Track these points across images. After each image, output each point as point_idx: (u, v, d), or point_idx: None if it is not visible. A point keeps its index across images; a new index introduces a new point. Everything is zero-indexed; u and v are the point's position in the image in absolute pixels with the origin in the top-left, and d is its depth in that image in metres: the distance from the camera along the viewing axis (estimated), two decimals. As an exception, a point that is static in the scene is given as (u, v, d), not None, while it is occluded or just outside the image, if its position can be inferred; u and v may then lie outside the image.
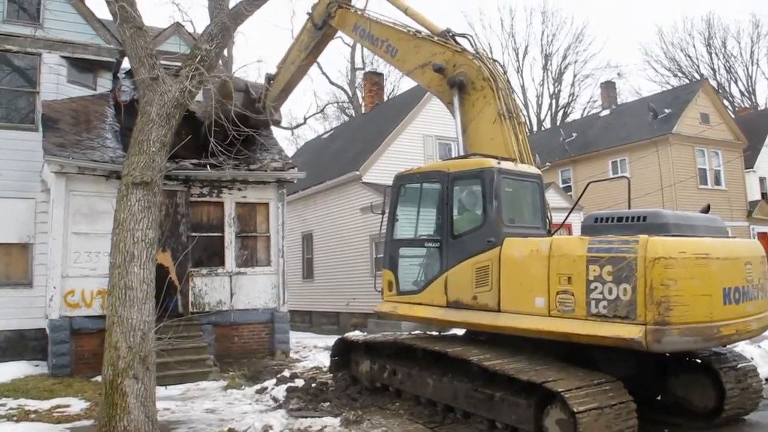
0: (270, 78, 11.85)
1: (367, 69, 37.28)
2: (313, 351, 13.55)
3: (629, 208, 6.70)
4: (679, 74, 45.48)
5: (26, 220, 11.89)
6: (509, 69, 43.72)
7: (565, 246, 6.06)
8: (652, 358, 6.33)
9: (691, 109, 23.83)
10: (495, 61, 8.28)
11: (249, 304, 12.57)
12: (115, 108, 12.93)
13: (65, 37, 12.49)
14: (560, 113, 45.50)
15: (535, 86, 66.66)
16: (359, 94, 38.30)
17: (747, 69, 44.89)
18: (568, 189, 25.50)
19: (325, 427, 6.77)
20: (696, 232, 5.92)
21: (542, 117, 45.48)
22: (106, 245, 7.38)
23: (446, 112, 8.72)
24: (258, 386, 9.48)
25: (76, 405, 8.43)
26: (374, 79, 27.69)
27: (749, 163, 26.47)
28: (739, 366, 6.52)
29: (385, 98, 30.48)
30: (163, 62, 7.01)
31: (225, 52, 17.78)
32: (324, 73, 39.19)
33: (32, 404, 8.44)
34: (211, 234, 12.48)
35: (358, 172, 17.93)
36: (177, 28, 14.12)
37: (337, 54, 70.72)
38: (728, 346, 6.88)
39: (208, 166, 11.81)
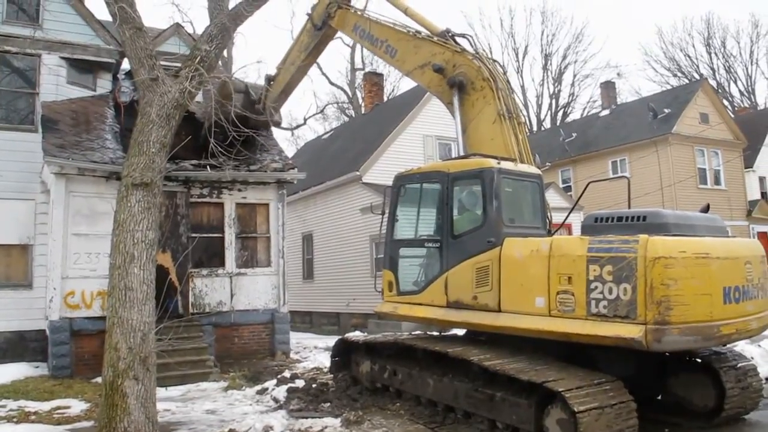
0: (270, 79, 11.86)
1: (367, 69, 37.29)
2: (313, 351, 13.55)
3: (629, 207, 6.70)
4: (679, 74, 45.55)
5: (26, 221, 11.89)
6: (509, 69, 43.76)
7: (565, 246, 6.06)
8: (653, 358, 6.34)
9: (690, 109, 23.84)
10: (495, 61, 8.29)
11: (249, 305, 12.57)
12: (114, 109, 12.93)
13: (65, 38, 12.49)
14: (560, 113, 45.53)
15: (535, 86, 66.70)
16: (359, 94, 38.31)
17: (746, 69, 44.98)
18: (568, 189, 25.50)
19: (326, 427, 6.77)
20: (696, 231, 5.92)
21: (542, 117, 45.54)
22: (106, 246, 7.38)
23: (446, 112, 8.72)
24: (258, 387, 9.48)
25: (77, 406, 8.43)
26: (374, 80, 27.70)
27: (749, 162, 26.48)
28: (739, 365, 6.52)
29: (385, 98, 30.48)
30: (162, 63, 7.00)
31: (225, 52, 17.79)
32: (324, 74, 39.26)
33: (32, 405, 8.44)
34: (211, 235, 12.48)
35: (358, 173, 17.93)
36: (177, 28, 14.14)
37: (337, 54, 70.84)
38: (728, 346, 6.89)
39: (208, 166, 11.81)
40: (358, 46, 38.00)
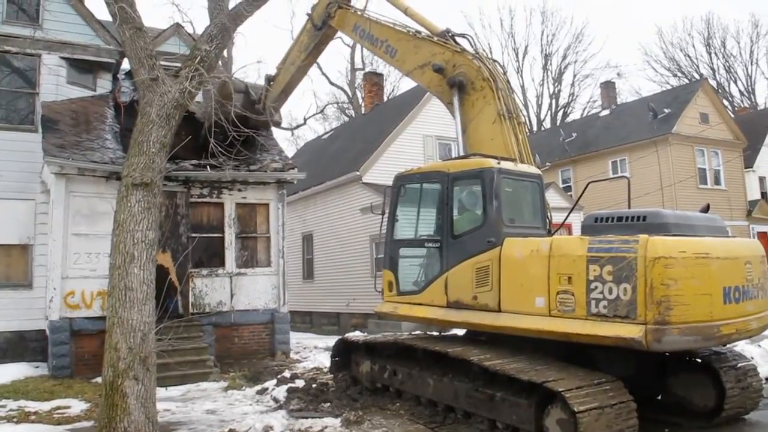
0: (270, 79, 11.86)
1: (367, 69, 37.29)
2: (313, 351, 13.55)
3: (629, 207, 6.70)
4: (679, 74, 45.56)
5: (26, 221, 11.89)
6: (509, 69, 43.77)
7: (565, 246, 6.06)
8: (653, 358, 6.34)
9: (690, 109, 23.84)
10: (494, 61, 8.29)
11: (249, 305, 12.57)
12: (114, 109, 12.93)
13: (65, 38, 12.49)
14: (560, 113, 45.54)
15: (534, 86, 66.70)
16: (359, 94, 38.31)
17: (746, 69, 44.99)
18: (568, 189, 25.51)
19: (326, 427, 6.77)
20: (696, 231, 5.92)
21: (542, 117, 45.55)
22: (106, 246, 7.38)
23: (446, 112, 8.72)
24: (258, 387, 9.48)
25: (77, 406, 8.43)
26: (374, 80, 27.70)
27: (749, 162, 26.48)
28: (739, 365, 6.52)
29: (385, 98, 30.48)
30: (162, 63, 7.01)
31: (225, 52, 17.79)
32: (324, 74, 39.26)
33: (32, 405, 8.44)
34: (211, 235, 12.48)
35: (358, 173, 17.93)
36: (177, 28, 14.14)
37: (336, 54, 70.86)
38: (728, 346, 6.88)
39: (208, 166, 11.81)
40: (358, 46, 38.01)
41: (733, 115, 30.56)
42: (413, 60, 8.67)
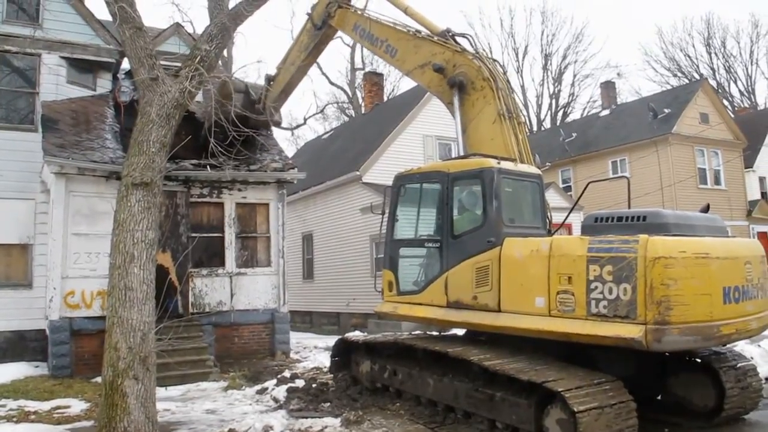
0: (270, 79, 11.85)
1: (367, 69, 37.29)
2: (313, 351, 13.55)
3: (629, 207, 6.70)
4: (679, 74, 45.56)
5: (26, 220, 11.88)
6: (509, 69, 43.78)
7: (565, 246, 6.06)
8: (652, 358, 6.34)
9: (690, 109, 23.84)
10: (494, 60, 8.28)
11: (249, 305, 12.57)
12: (114, 109, 12.93)
13: (65, 38, 12.49)
14: (560, 113, 45.54)
15: (534, 86, 66.68)
16: (359, 94, 38.31)
17: (746, 69, 44.99)
18: (568, 189, 25.51)
19: (326, 427, 6.77)
20: (696, 231, 5.92)
21: (542, 117, 45.55)
22: (106, 246, 7.38)
23: (446, 112, 8.72)
24: (258, 387, 9.48)
25: (76, 406, 8.43)
26: (374, 80, 27.70)
27: (749, 162, 26.48)
28: (739, 365, 6.53)
29: (385, 98, 30.48)
30: (162, 63, 7.00)
31: (225, 52, 17.79)
32: (324, 74, 39.26)
33: (32, 405, 8.44)
34: (211, 234, 12.48)
35: (358, 173, 17.93)
36: (177, 28, 14.13)
37: (336, 54, 70.86)
38: (728, 346, 6.88)
39: (208, 166, 11.81)
40: (358, 46, 38.02)
41: (733, 115, 30.56)
42: (413, 60, 8.67)
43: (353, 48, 39.12)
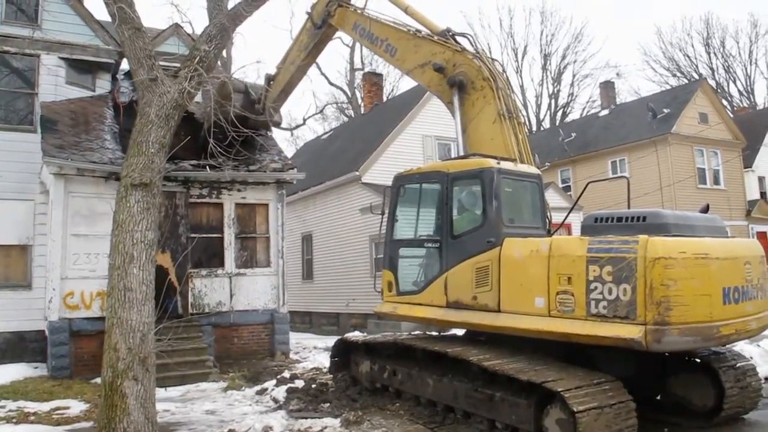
0: (269, 79, 11.85)
1: (366, 69, 37.30)
2: (312, 352, 13.55)
3: (629, 208, 6.70)
4: (678, 74, 45.61)
5: (25, 221, 11.87)
6: (508, 69, 43.81)
7: (564, 246, 6.06)
8: (652, 358, 6.33)
9: (689, 109, 23.85)
10: (494, 60, 8.28)
11: (249, 305, 12.57)
12: (113, 109, 12.92)
13: (64, 39, 12.48)
14: (559, 113, 45.56)
15: (534, 86, 66.79)
16: (358, 94, 38.31)
17: (745, 68, 45.01)
18: (567, 189, 25.51)
19: (326, 427, 6.77)
20: (695, 232, 5.92)
21: (541, 117, 45.58)
22: (105, 247, 7.36)
23: (445, 112, 8.72)
24: (258, 387, 9.48)
25: (76, 407, 8.42)
26: (373, 80, 27.70)
27: (748, 162, 26.49)
28: (739, 365, 6.53)
29: (385, 98, 30.49)
30: (162, 63, 7.00)
31: (224, 53, 17.78)
32: (323, 74, 39.22)
33: (31, 406, 8.44)
34: (210, 235, 12.47)
35: (357, 173, 17.93)
36: (176, 29, 14.12)
37: (336, 55, 70.69)
38: (727, 346, 6.88)
39: (207, 167, 11.80)
40: (358, 47, 38.08)
41: (732, 115, 30.57)
42: (413, 59, 8.67)
43: (352, 48, 39.14)
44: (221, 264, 12.46)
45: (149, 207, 6.19)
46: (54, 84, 12.45)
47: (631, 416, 5.47)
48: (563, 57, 45.53)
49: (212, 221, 12.55)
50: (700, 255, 5.51)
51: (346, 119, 39.51)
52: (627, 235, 5.60)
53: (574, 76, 46.85)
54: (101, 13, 11.11)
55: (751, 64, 44.88)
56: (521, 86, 45.30)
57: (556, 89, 45.89)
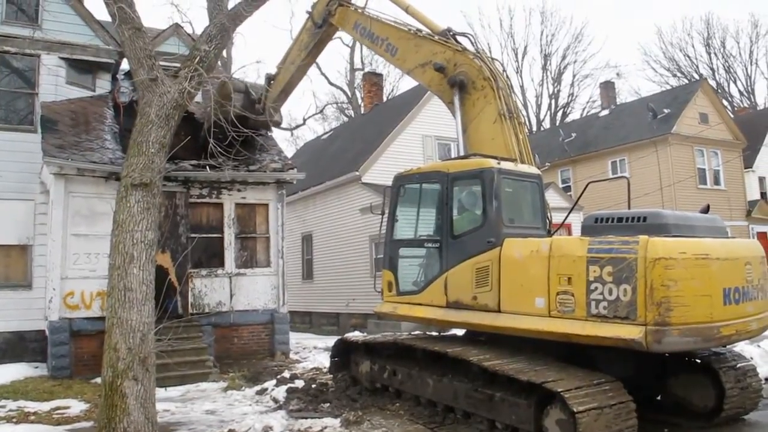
0: (270, 78, 11.85)
1: (366, 69, 37.30)
2: (312, 352, 13.55)
3: (629, 208, 6.70)
4: (678, 74, 45.60)
5: (25, 221, 11.87)
6: (508, 69, 43.77)
7: (565, 246, 6.06)
8: (652, 359, 6.32)
9: (690, 109, 23.84)
10: (495, 60, 8.28)
11: (249, 305, 12.57)
12: (114, 109, 12.92)
13: (64, 39, 12.48)
14: (559, 113, 45.55)
15: (534, 86, 66.76)
16: (358, 94, 38.31)
17: (746, 69, 45.00)
18: (567, 189, 25.51)
19: (326, 427, 6.77)
20: (696, 232, 5.92)
21: (541, 117, 45.57)
22: (105, 247, 7.37)
23: (446, 112, 8.71)
24: (258, 387, 9.47)
25: (76, 407, 8.43)
26: (373, 80, 27.70)
27: (748, 162, 26.48)
28: (739, 365, 6.52)
29: (385, 99, 30.48)
30: (162, 63, 7.00)
31: (224, 53, 17.78)
32: (323, 74, 39.22)
33: (32, 406, 8.44)
34: (210, 235, 12.47)
35: (357, 173, 17.93)
36: (176, 29, 14.12)
37: (336, 55, 70.73)
38: (728, 346, 6.88)
39: (207, 167, 11.80)
40: (358, 47, 38.08)
41: (732, 116, 30.57)
42: (414, 59, 8.66)
43: (352, 48, 39.14)
44: (221, 264, 12.46)
45: (149, 207, 6.19)
46: (54, 84, 12.45)
47: (632, 417, 5.47)
48: (563, 57, 45.58)
49: (212, 221, 12.55)
50: (700, 255, 5.51)
51: (346, 119, 39.51)
52: (627, 236, 5.60)
53: (574, 76, 46.89)
54: (101, 13, 11.13)
55: (751, 65, 44.94)
56: (521, 86, 45.33)
57: (556, 89, 45.93)
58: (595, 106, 40.25)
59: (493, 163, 6.94)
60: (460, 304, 6.96)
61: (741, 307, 5.75)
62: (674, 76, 45.68)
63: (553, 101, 45.94)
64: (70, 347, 10.62)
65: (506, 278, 6.49)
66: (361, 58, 40.40)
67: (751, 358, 7.80)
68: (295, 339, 14.81)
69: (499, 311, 6.54)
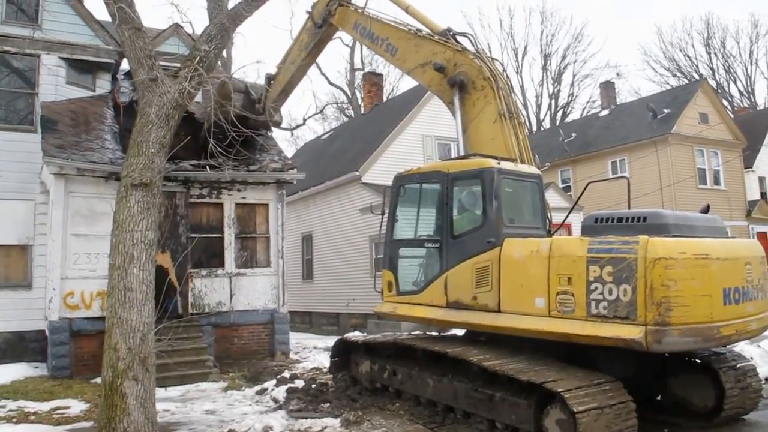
0: (270, 78, 11.85)
1: (366, 69, 37.29)
2: (312, 352, 13.55)
3: (629, 208, 6.70)
4: (678, 74, 45.60)
5: (25, 221, 11.87)
6: (508, 69, 43.76)
7: (565, 246, 6.06)
8: (652, 359, 6.33)
9: (690, 109, 23.84)
10: (494, 59, 8.28)
11: (249, 305, 12.56)
12: (114, 109, 12.92)
13: (64, 39, 12.48)
14: (559, 113, 45.55)
15: (534, 86, 66.75)
16: (358, 94, 38.31)
17: (746, 69, 45.01)
18: (567, 189, 25.51)
19: (326, 427, 6.77)
20: (696, 232, 5.92)
21: (541, 117, 45.57)
22: (105, 247, 7.37)
23: (445, 112, 8.71)
24: (258, 387, 9.47)
25: (76, 407, 8.43)
26: (373, 80, 27.70)
27: (748, 162, 26.48)
28: (739, 365, 6.52)
29: (385, 99, 30.48)
30: (162, 63, 7.00)
31: (224, 53, 17.78)
32: (323, 74, 39.22)
33: (32, 406, 8.44)
34: (210, 235, 12.47)
35: (357, 173, 17.93)
36: (176, 29, 14.12)
37: (336, 55, 70.72)
38: (728, 346, 6.88)
39: (207, 167, 11.80)
40: (358, 47, 38.08)
41: (732, 116, 30.57)
42: (414, 58, 8.66)
43: (352, 48, 39.14)
44: (221, 264, 12.46)
45: (149, 207, 6.19)
46: (54, 84, 12.44)
47: (632, 417, 5.47)
48: (563, 57, 45.58)
49: (212, 221, 12.55)
50: (700, 255, 5.51)
51: (346, 119, 39.50)
52: (627, 236, 5.60)
53: (574, 76, 46.89)
54: (101, 13, 11.13)
55: (751, 65, 44.94)
56: (521, 86, 45.33)
57: (556, 89, 45.93)
58: (595, 106, 40.28)
59: (493, 163, 6.94)
60: (460, 304, 6.96)
61: (741, 307, 5.75)
62: (674, 76, 45.74)
63: (553, 101, 45.99)
64: (70, 347, 10.62)
65: (506, 278, 6.49)
66: (361, 58, 40.46)
67: (751, 358, 7.80)
68: (295, 339, 14.81)
69: (499, 311, 6.54)
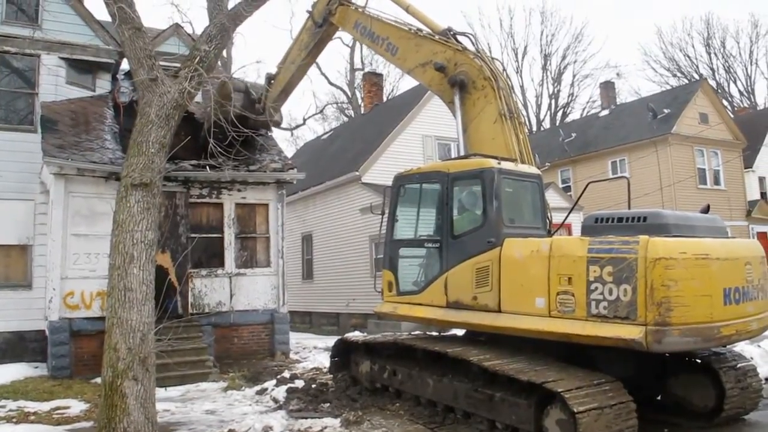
0: (270, 78, 11.84)
1: (367, 69, 37.29)
2: (313, 352, 13.55)
3: (629, 208, 6.69)
4: (678, 74, 45.60)
5: (25, 221, 11.87)
6: (508, 69, 43.79)
7: (565, 246, 6.05)
8: (652, 359, 6.33)
9: (690, 109, 23.84)
10: (495, 59, 8.28)
11: (249, 305, 12.56)
12: (114, 109, 12.92)
13: (64, 39, 12.48)
14: (559, 113, 45.55)
15: (534, 86, 66.74)
16: (358, 94, 38.31)
17: (746, 69, 45.00)
18: (567, 189, 25.51)
19: (326, 427, 6.77)
20: (696, 232, 5.92)
21: (541, 117, 45.57)
22: (105, 247, 7.37)
23: (446, 112, 8.71)
24: (258, 387, 9.47)
25: (76, 407, 8.42)
26: (373, 80, 27.70)
27: (748, 162, 26.48)
28: (739, 366, 6.52)
29: (385, 99, 30.48)
30: (162, 63, 6.99)
31: (224, 53, 17.78)
32: (323, 74, 39.22)
33: (32, 406, 8.44)
34: (210, 235, 12.47)
35: (357, 173, 17.93)
36: (176, 29, 14.11)
37: (336, 55, 70.77)
38: (728, 346, 6.88)
39: (207, 167, 11.80)
40: (358, 46, 38.09)
41: (732, 116, 30.57)
42: (414, 58, 8.66)
43: (352, 48, 39.15)
44: (221, 264, 12.46)
45: (149, 207, 6.19)
46: (54, 84, 12.44)
47: (632, 417, 5.47)
48: (563, 57, 45.58)
49: (212, 221, 12.55)
50: (700, 255, 5.51)
51: (346, 119, 39.50)
52: (627, 236, 5.60)
53: (574, 76, 46.89)
54: (101, 13, 11.13)
55: (751, 65, 44.94)
56: (521, 86, 45.33)
57: (556, 89, 45.93)
58: (595, 106, 40.28)
59: (493, 163, 6.94)
60: (460, 304, 6.96)
61: (741, 307, 5.74)
62: (674, 76, 45.75)
63: (553, 101, 45.99)
64: (70, 347, 10.62)
65: (506, 278, 6.49)
66: (361, 58, 40.46)
67: (751, 358, 7.80)
68: (295, 339, 14.81)
69: (499, 311, 6.54)
